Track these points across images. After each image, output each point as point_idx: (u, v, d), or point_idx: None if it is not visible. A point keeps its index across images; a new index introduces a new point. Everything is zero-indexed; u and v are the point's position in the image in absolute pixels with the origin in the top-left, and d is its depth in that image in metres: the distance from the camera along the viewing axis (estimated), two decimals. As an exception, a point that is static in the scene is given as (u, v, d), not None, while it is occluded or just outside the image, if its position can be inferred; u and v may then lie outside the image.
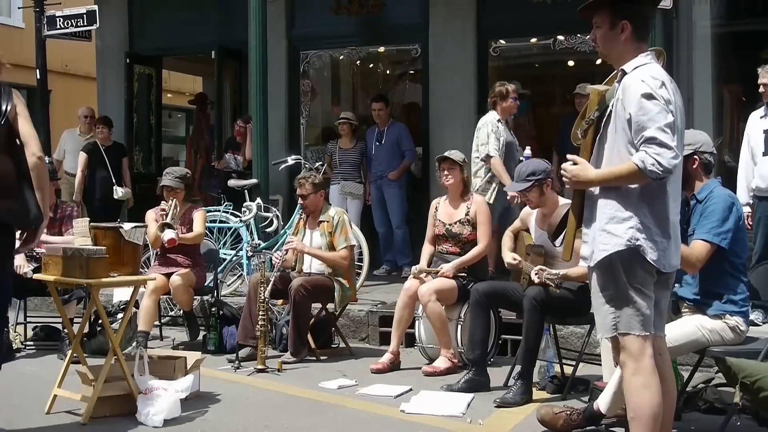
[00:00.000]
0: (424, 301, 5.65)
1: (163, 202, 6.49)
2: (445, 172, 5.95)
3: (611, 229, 3.34)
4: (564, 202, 5.22)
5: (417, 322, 5.95)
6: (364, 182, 8.76)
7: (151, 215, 6.58)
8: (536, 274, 5.00)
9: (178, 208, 6.44)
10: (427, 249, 6.08)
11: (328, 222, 6.28)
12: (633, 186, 3.30)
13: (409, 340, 6.22)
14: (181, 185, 6.53)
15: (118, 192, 9.27)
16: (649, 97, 3.20)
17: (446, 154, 5.97)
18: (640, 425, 3.35)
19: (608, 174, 3.34)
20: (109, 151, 9.45)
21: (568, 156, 3.47)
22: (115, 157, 9.48)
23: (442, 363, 5.67)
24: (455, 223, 5.95)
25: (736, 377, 3.89)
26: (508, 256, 5.40)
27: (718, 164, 6.14)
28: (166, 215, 6.32)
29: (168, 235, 6.17)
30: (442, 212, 6.05)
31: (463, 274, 5.81)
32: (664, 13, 6.43)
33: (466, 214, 5.93)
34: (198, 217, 6.58)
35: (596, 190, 3.41)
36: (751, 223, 6.19)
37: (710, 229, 4.06)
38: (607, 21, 3.40)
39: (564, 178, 3.44)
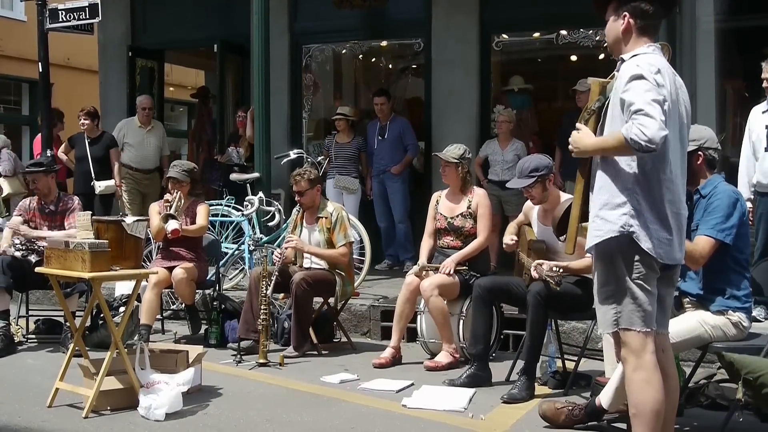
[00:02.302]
0: (426, 295, 5.65)
1: (167, 193, 6.50)
2: (443, 170, 5.97)
3: (604, 215, 3.35)
4: (566, 197, 5.21)
5: (419, 317, 5.95)
6: (360, 177, 8.74)
7: (155, 208, 6.60)
8: (535, 269, 5.00)
9: (183, 201, 6.44)
10: (426, 243, 6.05)
11: (326, 218, 6.27)
12: (627, 172, 3.30)
13: (411, 335, 6.22)
14: (188, 179, 6.55)
15: (98, 187, 8.99)
16: (640, 77, 3.22)
17: (440, 154, 5.98)
18: (641, 421, 3.35)
19: (601, 142, 3.36)
20: (94, 142, 9.16)
21: (577, 125, 3.48)
22: (101, 149, 9.15)
23: (443, 358, 5.67)
24: (457, 216, 5.93)
25: (738, 373, 3.89)
26: (507, 237, 5.44)
27: (721, 160, 6.11)
28: (170, 206, 6.32)
29: (172, 225, 6.18)
30: (443, 206, 6.04)
31: (464, 268, 5.80)
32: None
33: (468, 207, 5.92)
34: (201, 210, 6.58)
35: (596, 178, 3.42)
36: (752, 219, 6.17)
37: (714, 225, 4.06)
38: (612, 13, 3.48)
39: (569, 147, 3.46)
